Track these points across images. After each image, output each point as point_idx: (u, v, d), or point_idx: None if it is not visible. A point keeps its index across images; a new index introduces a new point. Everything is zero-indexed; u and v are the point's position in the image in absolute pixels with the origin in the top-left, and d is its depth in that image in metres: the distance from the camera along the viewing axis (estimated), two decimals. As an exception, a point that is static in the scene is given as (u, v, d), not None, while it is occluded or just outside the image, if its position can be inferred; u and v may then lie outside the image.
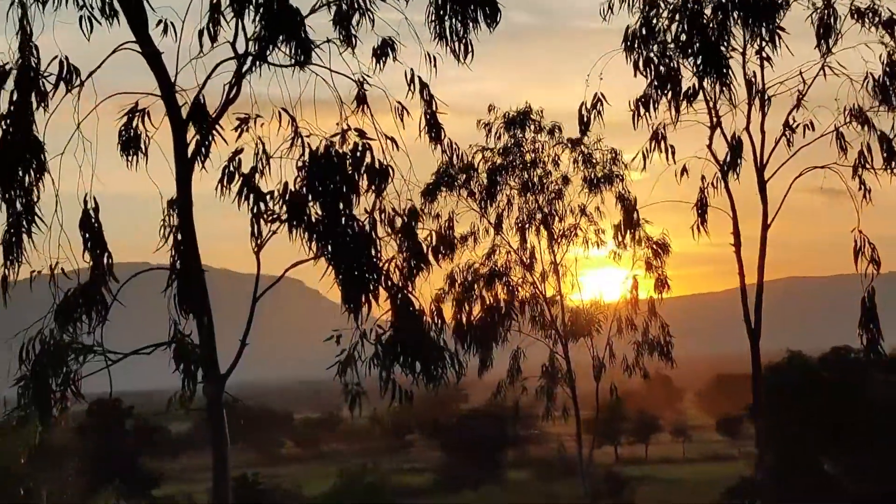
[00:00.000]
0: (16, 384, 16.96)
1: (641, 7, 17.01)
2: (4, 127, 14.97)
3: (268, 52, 15.98)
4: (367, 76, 16.91)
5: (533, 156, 35.46)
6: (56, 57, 15.31)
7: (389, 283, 15.26)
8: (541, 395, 36.84)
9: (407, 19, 16.87)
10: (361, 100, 16.91)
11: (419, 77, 17.08)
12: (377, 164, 15.56)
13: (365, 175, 15.54)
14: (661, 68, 16.92)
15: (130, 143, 17.06)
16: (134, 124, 17.11)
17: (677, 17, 16.85)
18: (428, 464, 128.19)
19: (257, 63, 16.24)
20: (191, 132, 16.87)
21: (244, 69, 16.92)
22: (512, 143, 35.44)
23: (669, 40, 17.04)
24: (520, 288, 34.60)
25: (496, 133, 35.05)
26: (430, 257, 15.71)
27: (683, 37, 16.93)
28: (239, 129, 17.56)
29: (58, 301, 15.57)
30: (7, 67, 15.19)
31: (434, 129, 17.21)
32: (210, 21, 16.33)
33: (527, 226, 35.12)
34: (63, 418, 16.17)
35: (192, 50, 16.80)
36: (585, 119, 17.37)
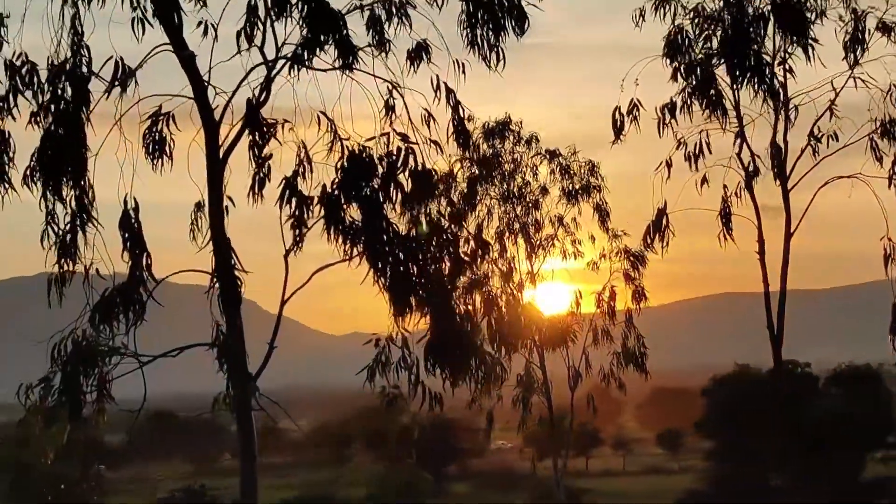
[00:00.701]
0: (38, 384, 16.97)
1: (672, 15, 17.30)
2: (54, 127, 15.00)
3: (307, 56, 16.02)
4: (397, 83, 17.03)
5: (512, 166, 35.71)
6: (111, 57, 15.28)
7: (431, 287, 15.39)
8: (517, 405, 37.00)
9: (435, 26, 17.06)
10: (390, 108, 17.09)
11: (445, 83, 17.26)
12: (420, 168, 15.72)
13: (409, 179, 15.69)
14: (698, 75, 17.20)
15: (156, 147, 17.03)
16: (159, 127, 17.08)
17: (713, 25, 17.16)
18: (371, 476, 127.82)
19: (295, 67, 16.29)
20: (222, 134, 16.91)
21: (274, 73, 17.00)
22: (491, 153, 35.66)
23: (699, 49, 17.34)
24: (499, 297, 34.77)
25: (475, 143, 35.22)
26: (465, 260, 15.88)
27: (714, 43, 17.24)
28: (266, 135, 17.65)
29: (91, 301, 15.55)
30: (53, 65, 15.18)
31: (462, 135, 17.38)
32: (247, 23, 16.37)
33: (506, 235, 35.33)
34: (94, 418, 16.14)
35: (218, 52, 16.87)
36: (619, 124, 17.62)
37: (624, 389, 37.62)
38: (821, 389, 79.23)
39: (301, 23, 15.96)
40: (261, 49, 17.01)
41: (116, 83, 15.18)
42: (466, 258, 15.87)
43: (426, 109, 17.34)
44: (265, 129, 17.12)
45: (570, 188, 35.57)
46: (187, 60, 16.59)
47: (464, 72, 17.13)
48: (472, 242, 16.10)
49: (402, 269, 15.25)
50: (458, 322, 15.29)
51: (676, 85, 17.53)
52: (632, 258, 35.16)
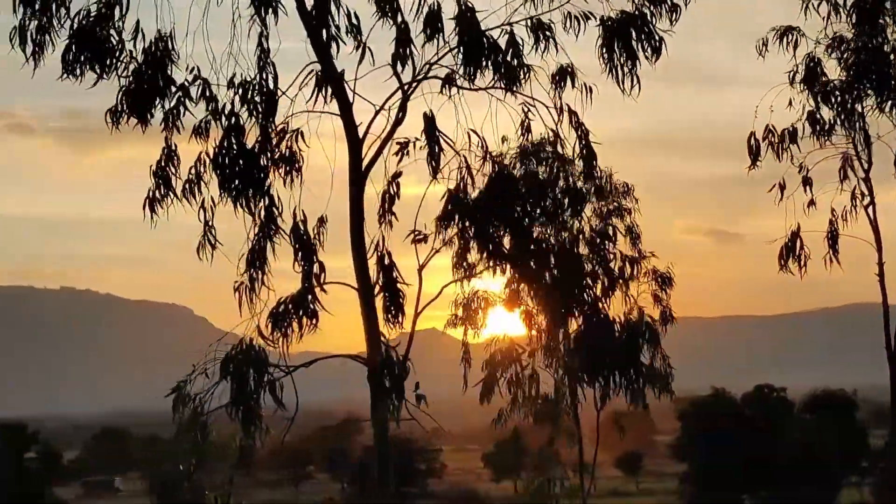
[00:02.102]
0: (171, 393, 17.32)
1: (794, 45, 17.86)
2: (234, 140, 15.45)
3: (465, 77, 16.55)
4: (531, 103, 17.59)
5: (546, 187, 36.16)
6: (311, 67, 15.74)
7: (587, 297, 15.96)
8: (545, 423, 37.30)
9: (563, 50, 17.61)
10: (526, 128, 17.67)
11: (567, 105, 17.85)
12: (573, 186, 16.31)
13: (564, 196, 16.29)
14: (839, 100, 17.84)
15: (287, 163, 17.39)
16: (289, 144, 17.44)
17: (849, 53, 17.81)
18: (330, 495, 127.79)
19: (447, 87, 16.85)
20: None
21: (410, 92, 17.52)
22: (524, 173, 36.08)
23: (836, 76, 18.01)
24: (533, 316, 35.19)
25: (511, 164, 35.67)
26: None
27: (847, 70, 17.88)
28: (400, 153, 18.16)
29: (258, 311, 15.89)
30: (234, 80, 15.58)
31: (589, 157, 17.92)
32: (398, 46, 16.86)
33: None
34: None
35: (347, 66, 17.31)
36: (755, 149, 18.24)
37: (647, 410, 38.02)
38: (795, 414, 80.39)
39: (457, 47, 16.46)
40: (392, 66, 17.50)
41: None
42: (617, 272, 16.43)
43: (552, 130, 17.95)
44: (400, 146, 17.73)
45: (604, 209, 36.03)
46: (334, 80, 17.02)
47: (591, 96, 17.72)
48: (618, 258, 16.64)
49: (560, 280, 15.80)
50: (613, 333, 15.86)
51: (793, 111, 18.18)
52: (659, 280, 35.70)
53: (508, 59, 16.43)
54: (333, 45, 16.77)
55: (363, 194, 17.42)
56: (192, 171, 16.26)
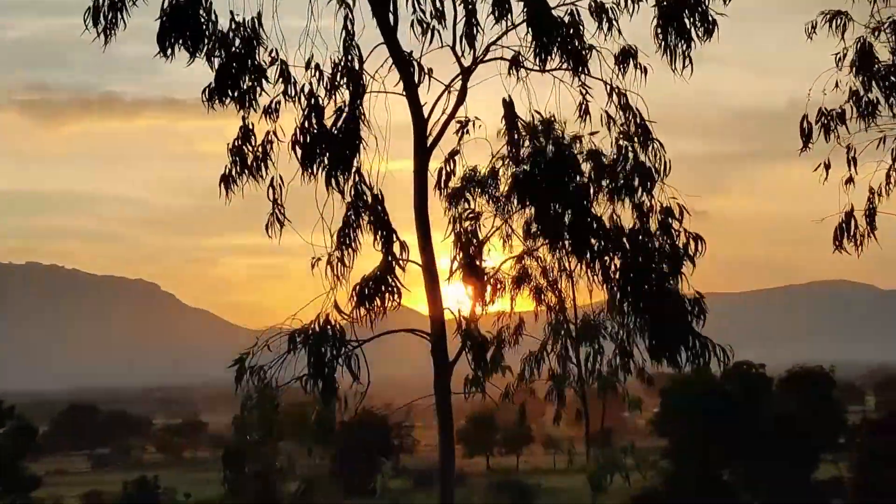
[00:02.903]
0: (234, 364, 17.68)
1: (842, 29, 18.29)
2: (339, 121, 15.85)
3: (535, 60, 16.92)
4: (588, 86, 18.00)
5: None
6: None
7: (653, 276, 16.40)
8: (551, 398, 37.74)
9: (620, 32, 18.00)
10: (584, 109, 18.11)
11: (617, 87, 18.26)
12: (646, 166, 16.78)
13: (635, 175, 16.75)
14: (888, 81, 18.31)
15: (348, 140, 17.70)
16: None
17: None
18: (300, 471, 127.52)
19: (516, 68, 17.25)
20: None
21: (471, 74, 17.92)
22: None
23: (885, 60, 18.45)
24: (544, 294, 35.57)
25: (521, 143, 36.01)
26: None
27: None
28: (460, 132, 18.59)
29: (333, 287, 16.22)
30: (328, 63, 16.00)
31: (644, 136, 18.30)
32: (466, 27, 17.22)
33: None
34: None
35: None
36: (807, 132, 18.70)
37: (652, 384, 38.45)
38: (773, 391, 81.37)
39: (527, 28, 16.82)
40: (452, 48, 17.87)
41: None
42: (682, 251, 16.81)
43: (605, 111, 18.36)
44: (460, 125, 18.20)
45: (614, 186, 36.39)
46: (401, 62, 17.36)
47: (645, 75, 18.11)
48: (682, 236, 16.99)
49: (626, 260, 16.28)
50: (679, 310, 16.28)
51: (840, 93, 18.64)
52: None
53: (575, 42, 16.78)
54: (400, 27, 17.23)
55: (427, 173, 17.81)
56: (259, 149, 16.64)
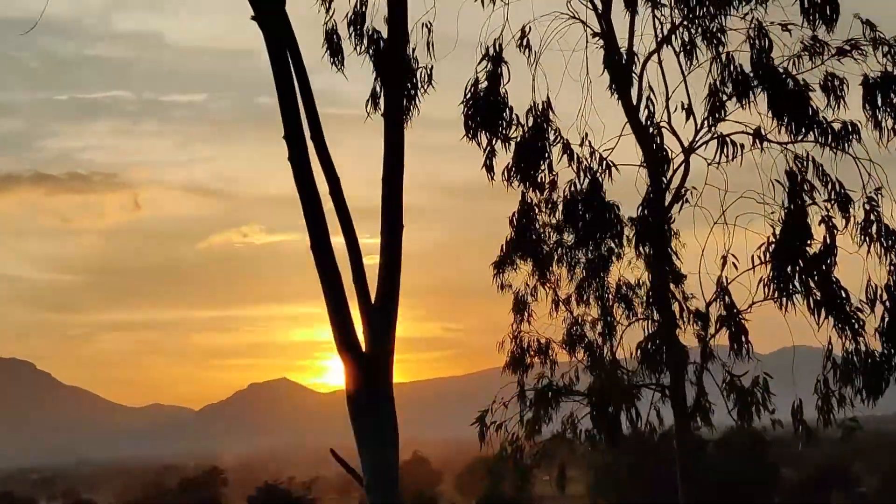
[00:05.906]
0: (475, 423, 18.73)
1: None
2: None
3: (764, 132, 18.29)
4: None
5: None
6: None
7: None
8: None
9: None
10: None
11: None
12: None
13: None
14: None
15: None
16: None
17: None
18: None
19: (759, 141, 18.53)
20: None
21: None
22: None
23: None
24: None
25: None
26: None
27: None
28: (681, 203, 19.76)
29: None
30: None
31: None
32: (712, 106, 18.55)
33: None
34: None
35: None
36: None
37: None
38: (709, 453, 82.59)
39: (770, 106, 18.16)
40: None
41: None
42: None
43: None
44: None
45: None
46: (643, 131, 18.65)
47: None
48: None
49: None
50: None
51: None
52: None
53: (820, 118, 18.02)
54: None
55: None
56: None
